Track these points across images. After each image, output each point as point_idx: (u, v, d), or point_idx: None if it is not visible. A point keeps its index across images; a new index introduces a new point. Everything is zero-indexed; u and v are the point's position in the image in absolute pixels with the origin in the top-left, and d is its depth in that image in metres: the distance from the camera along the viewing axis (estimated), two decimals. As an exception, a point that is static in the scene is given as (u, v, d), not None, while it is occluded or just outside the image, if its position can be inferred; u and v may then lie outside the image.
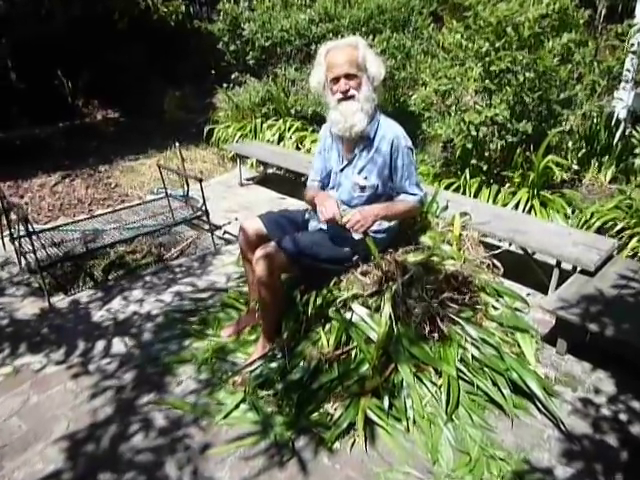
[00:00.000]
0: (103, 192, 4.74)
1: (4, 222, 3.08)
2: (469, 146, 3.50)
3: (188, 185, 3.47)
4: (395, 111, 4.90)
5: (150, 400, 2.09)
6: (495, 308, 2.39)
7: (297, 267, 2.06)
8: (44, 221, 4.11)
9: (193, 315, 2.64)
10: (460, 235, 2.39)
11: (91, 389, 2.15)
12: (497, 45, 3.24)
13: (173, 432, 1.92)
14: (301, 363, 2.04)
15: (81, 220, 3.69)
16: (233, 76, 5.76)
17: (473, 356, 2.09)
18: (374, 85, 1.98)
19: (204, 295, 2.83)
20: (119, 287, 2.96)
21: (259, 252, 2.00)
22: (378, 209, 2.01)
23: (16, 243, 2.80)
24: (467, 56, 3.58)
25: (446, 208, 2.94)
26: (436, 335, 2.09)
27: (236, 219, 3.95)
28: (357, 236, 2.02)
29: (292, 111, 5.26)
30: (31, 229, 3.39)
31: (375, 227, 2.09)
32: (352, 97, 1.97)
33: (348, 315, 2.10)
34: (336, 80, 1.96)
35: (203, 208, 3.50)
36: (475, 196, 3.62)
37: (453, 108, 3.59)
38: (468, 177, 3.63)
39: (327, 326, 2.13)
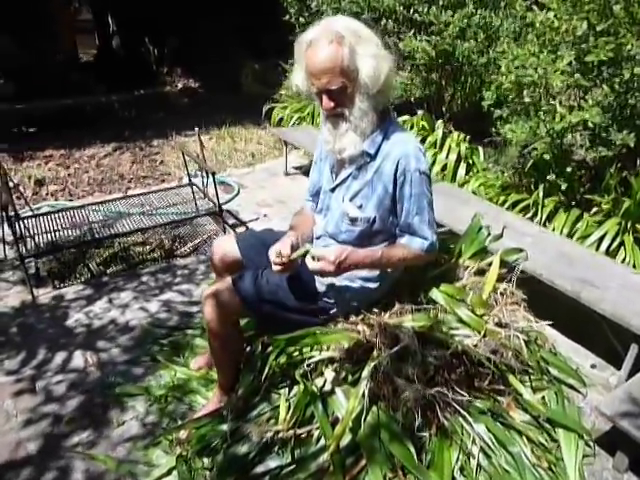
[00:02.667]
0: (147, 169, 4.56)
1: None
2: (547, 157, 2.76)
3: (208, 175, 3.10)
4: (473, 104, 4.16)
5: (81, 441, 1.78)
6: (536, 388, 1.79)
7: (257, 314, 1.59)
8: (80, 195, 4.00)
9: (171, 334, 2.29)
10: (495, 289, 1.77)
11: (27, 414, 1.89)
12: (599, 28, 2.45)
13: (85, 494, 1.59)
14: (251, 434, 1.60)
15: (104, 202, 3.49)
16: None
17: (480, 466, 1.52)
18: (373, 91, 1.42)
19: (194, 309, 2.47)
20: (111, 285, 2.69)
21: (208, 292, 1.57)
22: (365, 256, 1.47)
23: (11, 226, 2.60)
24: (561, 40, 2.80)
25: (500, 237, 2.32)
26: (433, 429, 1.54)
27: (265, 215, 3.54)
28: (320, 284, 1.52)
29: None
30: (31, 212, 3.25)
31: (365, 273, 1.57)
32: (341, 115, 1.44)
33: (319, 381, 1.62)
34: (318, 93, 1.44)
35: (221, 202, 3.12)
36: (549, 220, 2.88)
37: (533, 107, 2.84)
38: (541, 195, 2.88)
39: (294, 389, 1.67)
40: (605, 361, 2.19)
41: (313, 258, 1.40)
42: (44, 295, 2.60)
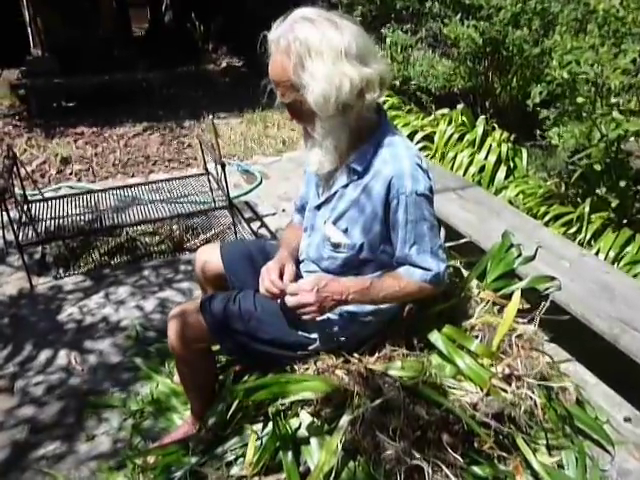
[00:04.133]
0: (173, 152, 4.46)
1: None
2: (598, 167, 2.41)
3: (222, 165, 2.93)
4: (522, 100, 3.77)
5: (48, 454, 1.67)
6: (554, 447, 1.54)
7: (225, 343, 1.41)
8: (102, 176, 3.94)
9: (161, 339, 2.15)
10: (512, 330, 1.51)
11: (2, 417, 1.81)
12: (673, 20, 2.07)
13: (37, 519, 1.49)
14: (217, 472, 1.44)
15: (119, 187, 3.39)
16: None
17: None
18: (328, 113, 1.15)
19: (189, 311, 2.33)
20: (111, 278, 2.59)
21: (174, 311, 1.40)
22: (349, 285, 1.25)
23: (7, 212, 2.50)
24: (627, 32, 2.41)
25: (532, 259, 2.06)
26: (418, 493, 1.32)
27: (283, 211, 3.35)
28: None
29: (395, 83, 4.38)
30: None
31: (352, 307, 1.35)
32: (305, 130, 1.23)
33: (295, 422, 1.42)
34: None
35: (241, 193, 2.95)
36: (594, 239, 2.53)
37: (586, 108, 2.48)
38: (587, 210, 2.53)
39: (268, 426, 1.48)
40: (642, 414, 1.89)
41: None
42: (43, 284, 2.53)
